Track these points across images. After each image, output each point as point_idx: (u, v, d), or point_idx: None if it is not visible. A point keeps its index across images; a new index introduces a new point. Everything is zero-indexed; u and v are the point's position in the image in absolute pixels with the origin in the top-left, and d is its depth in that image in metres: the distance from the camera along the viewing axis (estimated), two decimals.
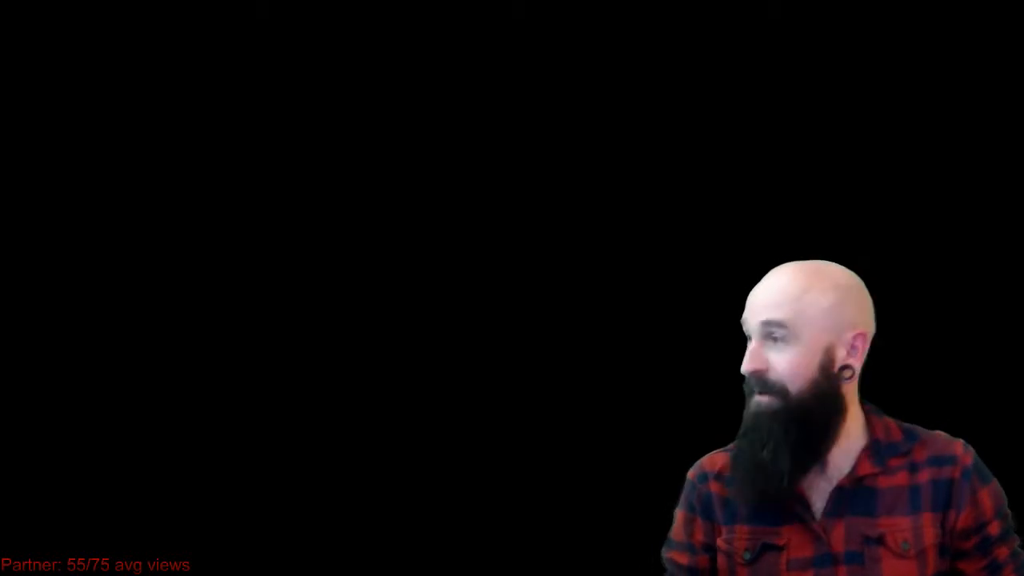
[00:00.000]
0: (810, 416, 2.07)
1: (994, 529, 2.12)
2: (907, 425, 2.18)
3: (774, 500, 2.09)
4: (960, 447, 2.15)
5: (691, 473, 2.25)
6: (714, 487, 2.20)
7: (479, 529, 4.15)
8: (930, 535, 2.06)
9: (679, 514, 2.24)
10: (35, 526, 4.03)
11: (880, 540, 2.06)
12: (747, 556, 2.14)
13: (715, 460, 2.23)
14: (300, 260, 4.25)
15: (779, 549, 2.11)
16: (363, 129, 4.27)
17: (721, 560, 2.17)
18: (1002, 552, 2.12)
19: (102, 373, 4.15)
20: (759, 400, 2.09)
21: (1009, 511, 2.17)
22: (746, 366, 2.09)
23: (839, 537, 2.07)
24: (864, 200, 4.12)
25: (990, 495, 2.13)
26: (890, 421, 2.16)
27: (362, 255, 4.26)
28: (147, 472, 4.12)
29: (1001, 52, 4.03)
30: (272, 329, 4.23)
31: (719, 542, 2.18)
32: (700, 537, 2.20)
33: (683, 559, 2.22)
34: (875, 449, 2.11)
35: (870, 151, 4.13)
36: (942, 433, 2.17)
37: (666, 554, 2.25)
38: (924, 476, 2.09)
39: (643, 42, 4.18)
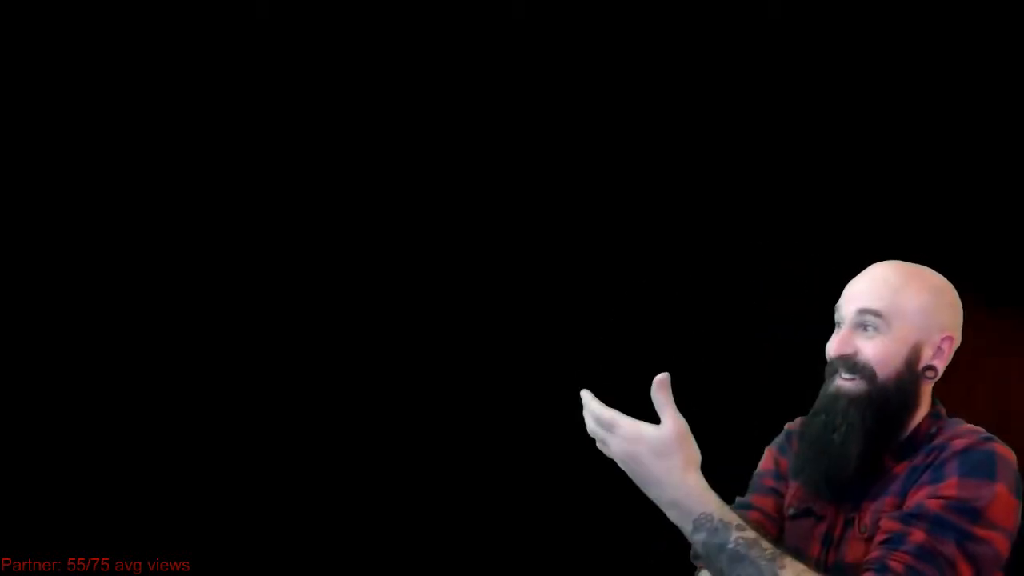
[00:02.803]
0: (888, 406, 2.09)
1: (934, 506, 1.94)
2: (947, 421, 2.13)
3: (837, 485, 2.09)
4: (965, 438, 2.03)
5: (789, 425, 2.32)
6: (795, 444, 2.25)
7: (479, 529, 4.15)
8: None
9: (768, 451, 2.33)
10: (35, 526, 4.03)
11: (852, 523, 2.08)
12: (791, 511, 2.20)
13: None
14: (300, 260, 4.25)
15: (818, 518, 2.14)
16: (363, 129, 4.27)
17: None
18: (917, 535, 1.92)
19: (102, 373, 4.16)
20: (842, 383, 2.10)
21: (978, 523, 1.92)
22: (835, 350, 2.11)
23: (840, 523, 2.10)
24: (864, 200, 4.13)
25: (959, 485, 1.96)
26: (929, 421, 2.12)
27: (362, 255, 4.26)
28: (147, 472, 4.13)
29: (1001, 52, 4.03)
30: (272, 330, 4.23)
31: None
32: (783, 470, 2.26)
33: (769, 482, 2.29)
34: (904, 445, 2.10)
35: (870, 151, 4.14)
36: (970, 426, 2.09)
37: (757, 478, 2.32)
38: (912, 463, 2.06)
39: (643, 42, 4.18)
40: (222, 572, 4.06)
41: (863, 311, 2.10)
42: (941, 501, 1.95)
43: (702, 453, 2.11)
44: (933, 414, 2.14)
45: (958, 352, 2.16)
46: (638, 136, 4.23)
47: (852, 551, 2.06)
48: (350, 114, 4.27)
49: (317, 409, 4.22)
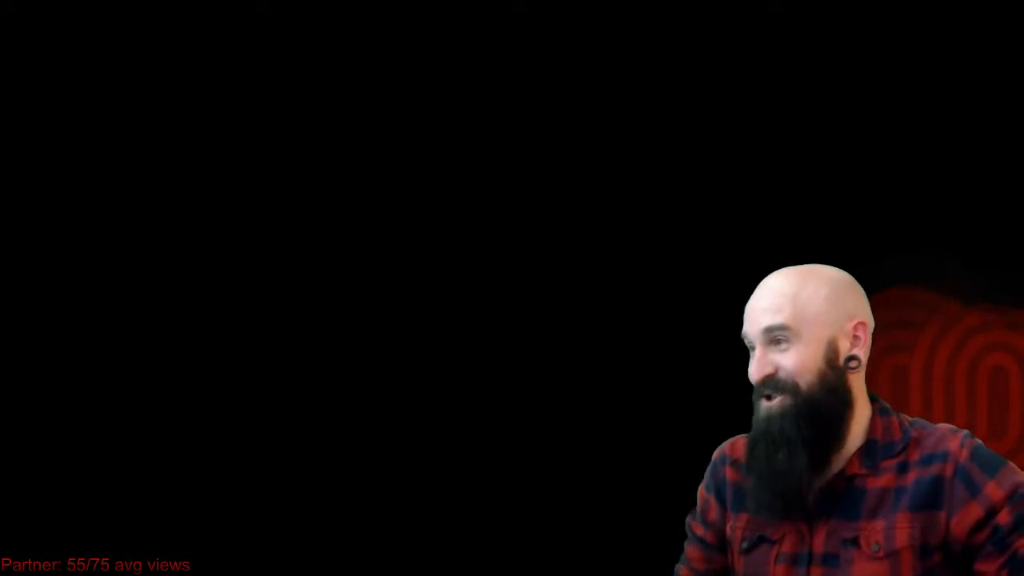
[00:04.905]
0: (821, 410, 2.07)
1: (1005, 518, 1.99)
2: (911, 421, 2.14)
3: (796, 502, 2.07)
4: (957, 442, 2.06)
5: (715, 454, 2.28)
6: (729, 473, 2.22)
7: (479, 530, 4.15)
8: (903, 536, 2.01)
9: (700, 490, 2.27)
10: (35, 526, 4.03)
11: (855, 542, 2.05)
12: (744, 545, 2.16)
13: (736, 445, 2.24)
14: (300, 260, 4.24)
15: (773, 543, 2.11)
16: (362, 124, 4.27)
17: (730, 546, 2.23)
18: (1022, 544, 1.98)
19: (102, 373, 4.15)
20: (769, 404, 2.08)
21: None
22: (756, 375, 2.08)
23: (820, 538, 2.07)
24: (864, 199, 4.12)
25: (998, 484, 2.01)
26: (894, 419, 2.12)
27: (362, 254, 4.26)
28: (147, 472, 4.12)
29: (1001, 49, 4.03)
30: (272, 329, 4.23)
31: (726, 528, 2.20)
32: (712, 516, 2.22)
33: (699, 530, 2.26)
34: (869, 450, 2.09)
35: (871, 150, 4.13)
36: (945, 427, 2.11)
37: (689, 521, 2.28)
38: (911, 477, 2.05)
39: (642, 36, 4.18)
40: (222, 572, 4.05)
41: (768, 329, 2.08)
42: (1006, 506, 2.00)
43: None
44: (881, 410, 2.14)
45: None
46: (637, 134, 4.22)
47: (860, 570, 2.04)
48: (348, 111, 4.26)
49: (317, 409, 4.21)
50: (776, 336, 2.08)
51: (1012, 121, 4.02)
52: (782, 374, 2.08)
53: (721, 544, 2.22)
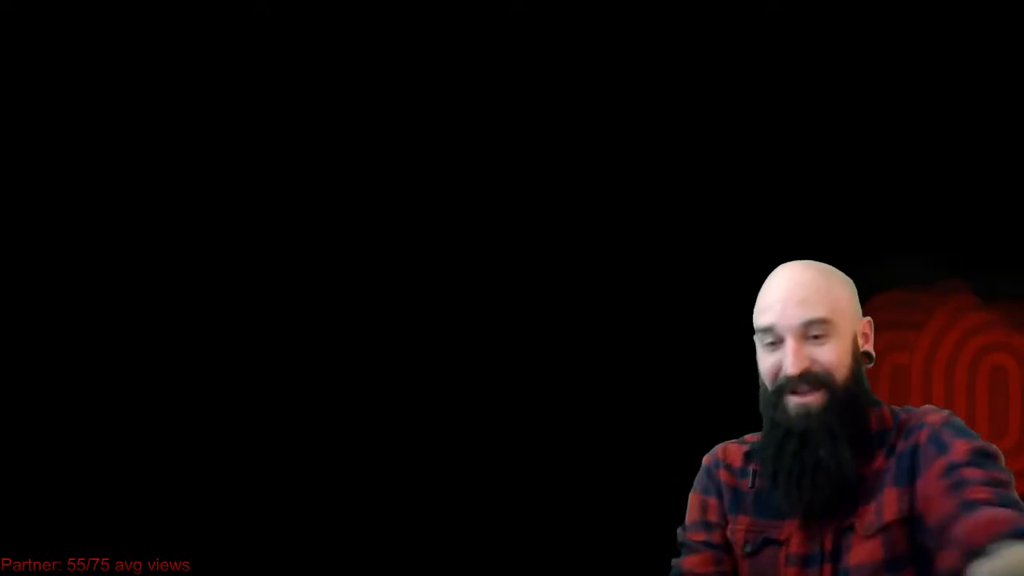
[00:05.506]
0: (855, 403, 2.09)
1: (969, 473, 1.97)
2: (900, 409, 2.16)
3: (837, 497, 2.07)
4: (933, 414, 2.09)
5: (706, 459, 2.27)
6: (724, 476, 2.22)
7: (478, 530, 4.15)
8: (892, 511, 2.03)
9: (693, 497, 2.26)
10: (35, 526, 4.02)
11: (852, 528, 2.06)
12: (747, 548, 2.15)
13: (728, 449, 2.25)
14: (300, 260, 4.24)
15: (780, 544, 2.12)
16: (362, 124, 4.27)
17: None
18: (980, 492, 1.94)
19: (102, 373, 4.15)
20: (803, 400, 2.08)
21: (999, 472, 1.99)
22: (793, 368, 2.07)
23: (829, 535, 2.08)
24: (864, 201, 4.12)
25: (967, 442, 2.02)
26: (885, 410, 2.14)
27: (362, 254, 4.26)
28: (147, 472, 4.12)
29: (1000, 47, 4.03)
30: (272, 329, 4.22)
31: (726, 531, 2.20)
32: (714, 517, 2.21)
33: (700, 536, 2.23)
34: (864, 441, 2.10)
35: (869, 149, 4.13)
36: (929, 406, 2.14)
37: (683, 535, 2.25)
38: (896, 454, 2.07)
39: (643, 36, 4.18)
40: (222, 572, 4.05)
41: (811, 323, 2.08)
42: (969, 457, 1.99)
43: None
44: (874, 402, 2.15)
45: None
46: (637, 134, 4.22)
47: (856, 554, 2.05)
48: (348, 111, 4.26)
49: (317, 409, 4.21)
50: (815, 330, 2.09)
51: (1012, 122, 4.02)
52: (816, 368, 2.08)
53: (727, 544, 2.21)
